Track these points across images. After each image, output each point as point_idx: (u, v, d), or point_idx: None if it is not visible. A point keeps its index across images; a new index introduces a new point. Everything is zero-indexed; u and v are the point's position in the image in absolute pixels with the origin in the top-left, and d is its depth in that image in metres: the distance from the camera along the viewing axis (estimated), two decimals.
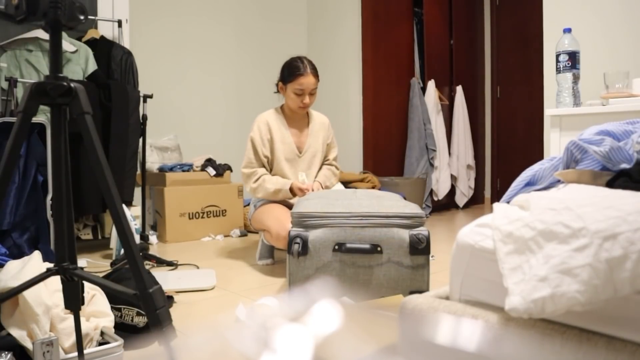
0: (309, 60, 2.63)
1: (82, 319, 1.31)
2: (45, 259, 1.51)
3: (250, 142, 2.65)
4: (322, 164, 2.78)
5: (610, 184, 0.94)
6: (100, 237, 3.27)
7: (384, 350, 0.28)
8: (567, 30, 2.25)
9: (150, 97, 3.11)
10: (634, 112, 1.99)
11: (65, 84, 0.97)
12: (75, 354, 1.23)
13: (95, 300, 1.47)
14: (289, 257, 1.84)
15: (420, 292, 1.59)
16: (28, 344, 1.23)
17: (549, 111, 2.27)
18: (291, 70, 2.60)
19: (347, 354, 0.28)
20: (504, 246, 0.82)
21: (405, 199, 2.36)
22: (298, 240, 1.81)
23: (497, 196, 5.37)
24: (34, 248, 2.35)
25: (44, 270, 1.03)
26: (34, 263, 1.41)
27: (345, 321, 0.29)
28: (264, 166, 2.64)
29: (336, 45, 4.61)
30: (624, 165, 0.95)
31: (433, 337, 0.29)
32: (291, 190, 2.50)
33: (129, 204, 3.15)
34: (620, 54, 2.58)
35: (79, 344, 1.17)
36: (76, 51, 3.05)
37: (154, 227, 3.55)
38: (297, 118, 2.73)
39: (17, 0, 0.93)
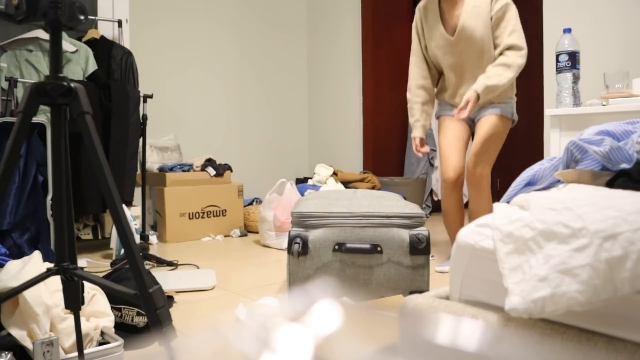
0: None
1: (82, 319, 1.31)
2: (45, 259, 1.51)
3: (413, 34, 2.48)
4: (498, 53, 2.28)
5: (610, 184, 0.94)
6: (100, 237, 3.26)
7: (384, 350, 0.28)
8: (567, 30, 2.25)
9: (150, 97, 3.11)
10: (634, 112, 1.99)
11: (65, 84, 0.97)
12: (75, 354, 1.23)
13: (96, 300, 1.47)
14: (289, 257, 1.84)
15: (420, 292, 1.59)
16: (28, 344, 1.23)
17: (549, 111, 2.27)
18: None
19: (347, 354, 0.28)
20: (504, 246, 0.82)
21: (405, 199, 2.36)
22: (298, 240, 1.81)
23: (497, 196, 5.37)
24: (34, 248, 2.35)
25: (44, 270, 1.02)
26: (34, 263, 1.41)
27: (345, 321, 0.29)
28: (425, 61, 2.46)
29: (336, 45, 4.61)
30: (624, 165, 0.95)
31: (433, 337, 0.29)
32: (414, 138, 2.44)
33: (129, 204, 3.15)
34: (620, 54, 2.59)
35: (79, 344, 1.17)
36: (76, 51, 3.05)
37: (154, 227, 3.55)
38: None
39: (17, 0, 0.93)
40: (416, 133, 2.47)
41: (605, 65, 2.58)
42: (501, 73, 2.18)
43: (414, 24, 2.48)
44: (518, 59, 2.19)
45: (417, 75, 2.47)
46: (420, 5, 2.45)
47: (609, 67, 2.57)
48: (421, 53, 2.46)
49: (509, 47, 2.22)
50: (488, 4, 2.26)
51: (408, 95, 2.51)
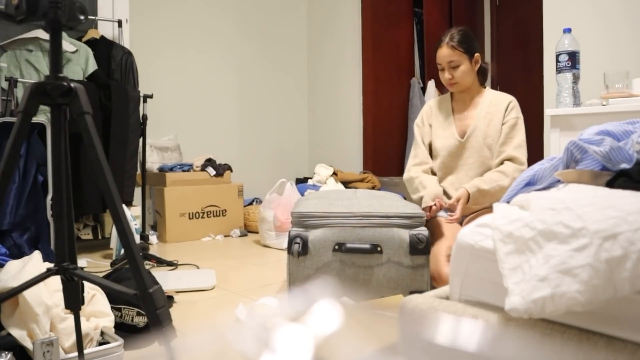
0: (457, 30, 2.22)
1: (82, 319, 1.31)
2: (45, 259, 1.51)
3: (415, 128, 2.36)
4: (498, 162, 2.18)
5: (610, 184, 0.94)
6: (100, 237, 3.26)
7: (384, 350, 0.28)
8: (567, 30, 2.25)
9: (150, 97, 3.11)
10: (634, 112, 1.99)
11: (65, 84, 0.97)
12: (75, 354, 1.23)
13: (96, 300, 1.47)
14: (289, 257, 1.84)
15: (420, 292, 1.59)
16: (28, 344, 1.23)
17: (549, 111, 2.28)
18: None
19: (347, 354, 0.28)
20: (504, 246, 0.81)
21: (405, 199, 2.35)
22: (298, 240, 1.81)
23: None
24: (34, 248, 2.35)
25: (44, 270, 1.02)
26: (34, 263, 1.41)
27: (345, 321, 0.29)
28: (430, 154, 2.30)
29: (336, 45, 4.61)
30: (624, 165, 0.95)
31: (433, 337, 0.29)
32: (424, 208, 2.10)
33: (129, 204, 3.14)
34: (621, 54, 2.58)
35: (79, 344, 1.17)
36: (76, 51, 3.05)
37: (154, 227, 3.54)
38: (465, 99, 2.28)
39: (17, 0, 0.93)
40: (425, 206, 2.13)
41: (606, 65, 2.58)
42: (496, 179, 2.07)
43: (418, 120, 2.36)
44: (515, 172, 2.09)
45: (417, 167, 2.29)
46: (430, 103, 2.36)
47: (609, 67, 2.57)
48: (422, 146, 2.31)
49: (511, 159, 2.13)
50: (502, 111, 2.19)
51: (406, 176, 2.29)
